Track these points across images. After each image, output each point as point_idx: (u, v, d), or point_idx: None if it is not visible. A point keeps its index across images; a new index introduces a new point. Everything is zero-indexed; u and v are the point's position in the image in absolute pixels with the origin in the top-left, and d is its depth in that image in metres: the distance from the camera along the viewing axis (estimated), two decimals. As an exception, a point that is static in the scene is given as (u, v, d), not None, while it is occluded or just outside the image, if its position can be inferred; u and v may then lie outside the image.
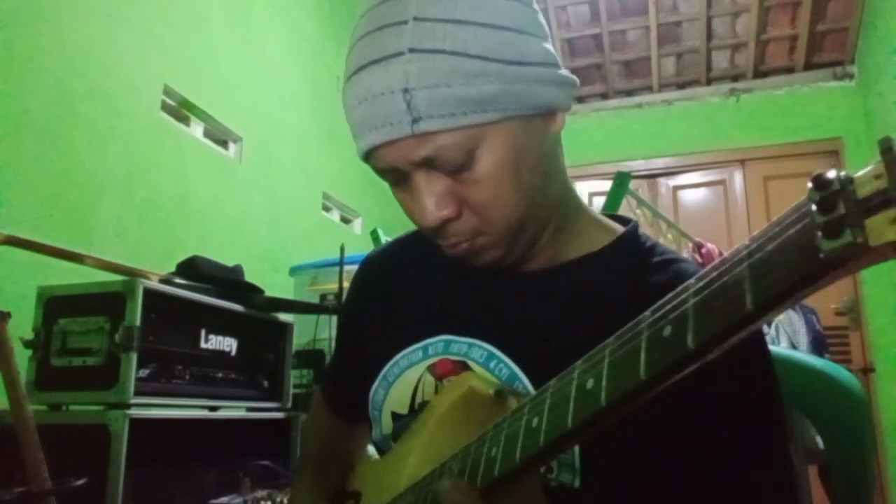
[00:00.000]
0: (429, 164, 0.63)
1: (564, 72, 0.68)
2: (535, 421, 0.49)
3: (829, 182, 0.30)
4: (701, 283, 0.37)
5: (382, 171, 0.67)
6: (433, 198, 0.63)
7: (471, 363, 0.71)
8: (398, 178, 0.66)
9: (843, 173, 0.30)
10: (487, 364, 0.70)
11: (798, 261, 0.30)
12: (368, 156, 0.65)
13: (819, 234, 0.29)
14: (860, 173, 0.29)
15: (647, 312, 0.42)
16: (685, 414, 0.58)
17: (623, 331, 0.44)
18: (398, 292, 0.83)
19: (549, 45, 0.67)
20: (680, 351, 0.38)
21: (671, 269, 0.70)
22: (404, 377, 0.75)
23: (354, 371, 0.85)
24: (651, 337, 0.40)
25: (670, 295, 0.40)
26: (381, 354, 0.78)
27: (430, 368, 0.73)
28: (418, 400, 0.74)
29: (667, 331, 0.39)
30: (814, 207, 0.30)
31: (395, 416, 0.76)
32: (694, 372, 0.39)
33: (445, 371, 0.72)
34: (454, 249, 0.68)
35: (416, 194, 0.64)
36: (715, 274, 0.37)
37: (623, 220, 0.78)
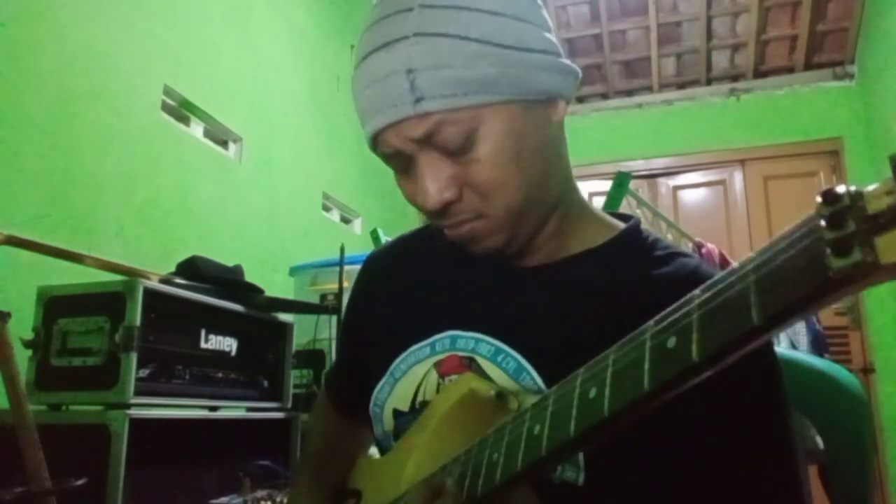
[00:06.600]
0: (430, 143, 0.64)
1: (566, 61, 0.69)
2: (538, 428, 0.49)
3: (839, 197, 0.29)
4: (707, 295, 0.37)
5: (388, 157, 0.68)
6: (436, 181, 0.65)
7: (478, 358, 0.71)
8: (403, 164, 0.67)
9: (853, 188, 0.29)
10: (495, 359, 0.70)
11: (806, 278, 0.30)
12: (375, 142, 0.67)
13: (828, 251, 0.29)
14: (870, 189, 0.29)
15: (651, 322, 0.42)
16: (691, 413, 0.58)
17: (627, 339, 0.43)
18: (403, 290, 0.83)
19: (550, 36, 0.69)
20: (684, 363, 0.37)
21: (675, 262, 0.70)
22: (410, 374, 0.75)
23: (359, 368, 0.85)
24: (655, 347, 0.40)
25: (675, 305, 0.40)
26: (388, 351, 0.78)
27: (437, 365, 0.73)
28: (419, 398, 0.74)
29: (671, 342, 0.38)
30: (822, 223, 0.29)
31: (397, 413, 0.76)
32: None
33: (451, 368, 0.72)
34: (456, 230, 0.69)
35: (419, 178, 0.65)
36: (721, 286, 0.36)
37: (624, 218, 0.79)
